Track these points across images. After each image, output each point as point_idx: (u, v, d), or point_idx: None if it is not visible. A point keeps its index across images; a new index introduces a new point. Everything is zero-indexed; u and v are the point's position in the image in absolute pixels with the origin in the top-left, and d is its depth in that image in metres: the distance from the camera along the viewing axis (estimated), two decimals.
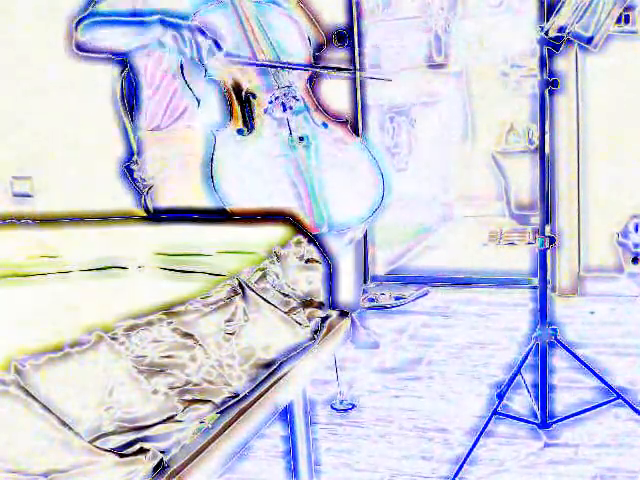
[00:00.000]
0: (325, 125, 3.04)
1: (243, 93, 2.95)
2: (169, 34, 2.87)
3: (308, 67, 3.06)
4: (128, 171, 3.11)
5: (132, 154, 3.13)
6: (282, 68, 2.96)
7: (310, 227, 2.81)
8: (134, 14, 2.91)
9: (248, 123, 2.94)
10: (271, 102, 2.95)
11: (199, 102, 3.01)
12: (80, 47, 2.94)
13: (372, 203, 3.02)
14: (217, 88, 2.96)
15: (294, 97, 2.97)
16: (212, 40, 2.87)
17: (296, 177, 2.92)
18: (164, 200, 3.07)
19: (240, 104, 2.95)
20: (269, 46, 2.99)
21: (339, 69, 3.32)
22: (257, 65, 2.95)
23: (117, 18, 2.92)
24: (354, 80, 4.12)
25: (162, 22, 2.87)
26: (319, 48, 3.24)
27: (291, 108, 2.96)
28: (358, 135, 3.14)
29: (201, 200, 2.89)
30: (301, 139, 2.95)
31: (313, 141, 2.97)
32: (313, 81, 3.11)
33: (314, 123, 3.01)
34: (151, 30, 2.88)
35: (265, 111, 2.95)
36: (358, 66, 4.18)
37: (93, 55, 2.97)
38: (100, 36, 2.92)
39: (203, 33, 2.86)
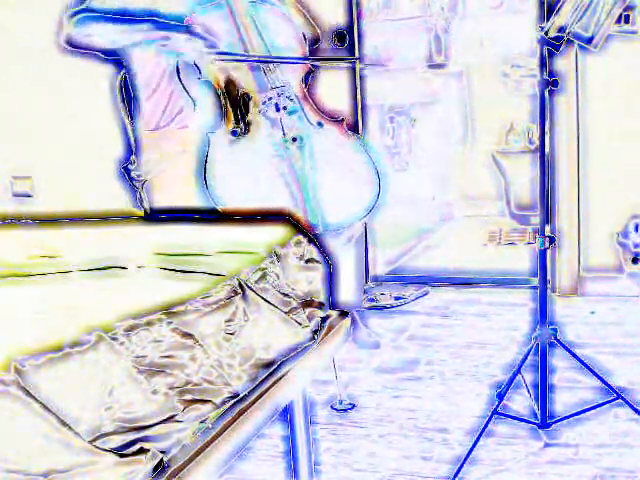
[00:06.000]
0: (320, 124, 3.03)
1: (237, 94, 2.95)
2: (161, 35, 2.86)
3: (299, 60, 3.05)
4: (125, 171, 3.11)
5: (131, 154, 3.13)
6: (274, 63, 2.95)
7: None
8: (125, 12, 2.90)
9: (242, 124, 2.94)
10: (264, 103, 2.95)
11: (195, 103, 3.01)
12: (70, 41, 2.92)
13: (367, 203, 3.02)
14: (211, 89, 2.96)
15: (288, 97, 2.97)
16: (206, 41, 2.87)
17: (290, 178, 2.92)
18: (159, 199, 3.07)
19: (234, 105, 2.95)
20: (263, 46, 2.99)
21: (331, 59, 3.30)
22: (250, 61, 2.94)
23: (110, 15, 2.91)
24: (353, 71, 4.10)
25: (155, 23, 2.86)
26: (315, 42, 3.24)
27: (285, 108, 2.96)
28: (357, 134, 3.13)
29: (196, 200, 2.90)
30: (294, 140, 2.94)
31: (307, 141, 2.96)
32: (309, 80, 3.11)
33: (309, 123, 3.00)
34: (142, 30, 2.87)
35: (259, 112, 2.95)
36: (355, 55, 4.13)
37: (82, 51, 2.95)
38: (91, 31, 2.90)
39: (197, 34, 2.86)
